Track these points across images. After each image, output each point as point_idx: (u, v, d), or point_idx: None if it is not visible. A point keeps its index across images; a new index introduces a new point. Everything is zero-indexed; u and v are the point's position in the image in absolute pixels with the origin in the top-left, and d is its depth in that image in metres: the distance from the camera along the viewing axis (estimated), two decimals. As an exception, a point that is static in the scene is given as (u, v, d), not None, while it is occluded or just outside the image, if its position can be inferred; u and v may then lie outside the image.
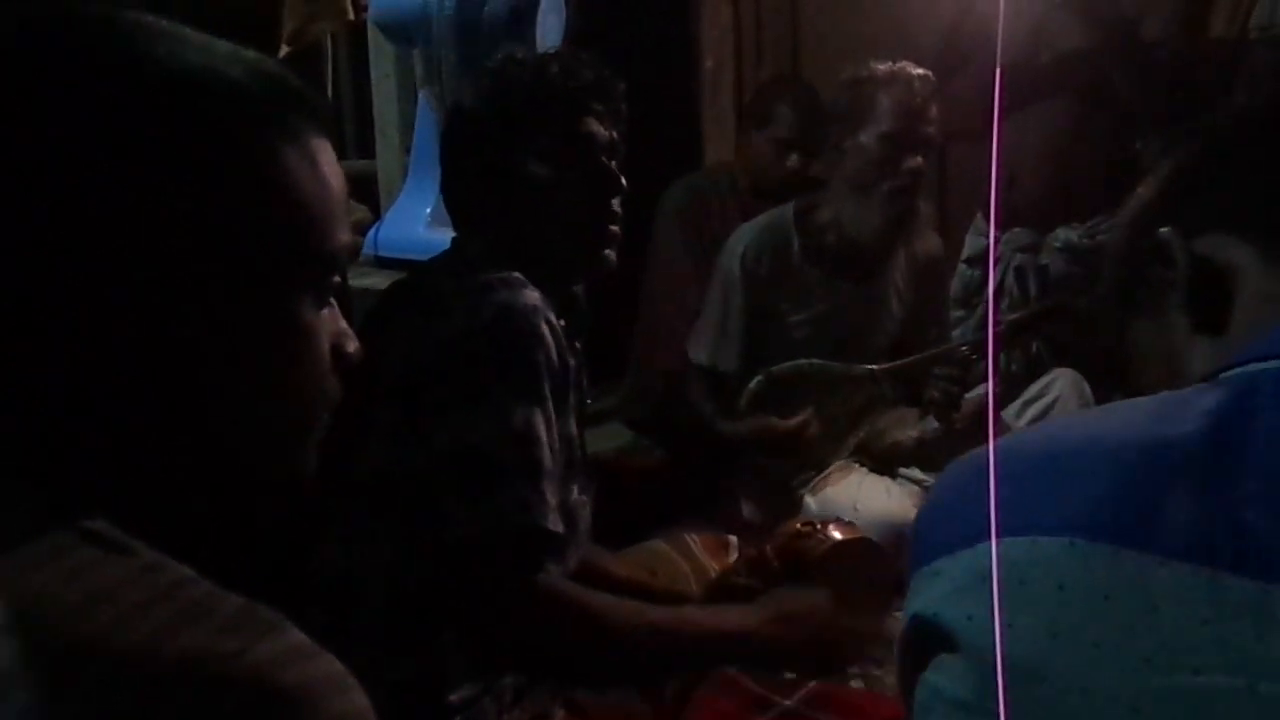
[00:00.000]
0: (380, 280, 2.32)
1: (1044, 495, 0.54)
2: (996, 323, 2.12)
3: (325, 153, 0.61)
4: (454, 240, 1.40)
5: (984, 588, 0.52)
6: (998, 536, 0.53)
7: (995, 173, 1.48)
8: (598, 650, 1.20)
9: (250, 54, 0.59)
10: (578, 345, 1.33)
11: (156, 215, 0.54)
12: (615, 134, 1.36)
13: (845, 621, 1.29)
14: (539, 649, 1.19)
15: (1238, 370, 0.56)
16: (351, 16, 1.60)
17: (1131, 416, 0.57)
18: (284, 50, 1.42)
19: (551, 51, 1.38)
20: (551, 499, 1.18)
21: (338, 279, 0.63)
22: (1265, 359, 0.55)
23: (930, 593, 0.56)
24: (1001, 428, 2.17)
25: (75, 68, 0.53)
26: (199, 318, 0.55)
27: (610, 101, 1.35)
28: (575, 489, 1.33)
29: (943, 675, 0.55)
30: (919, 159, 1.99)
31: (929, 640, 0.56)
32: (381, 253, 2.35)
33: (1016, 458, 0.57)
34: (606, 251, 1.35)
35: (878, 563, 1.49)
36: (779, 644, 1.27)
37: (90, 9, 0.56)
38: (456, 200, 1.39)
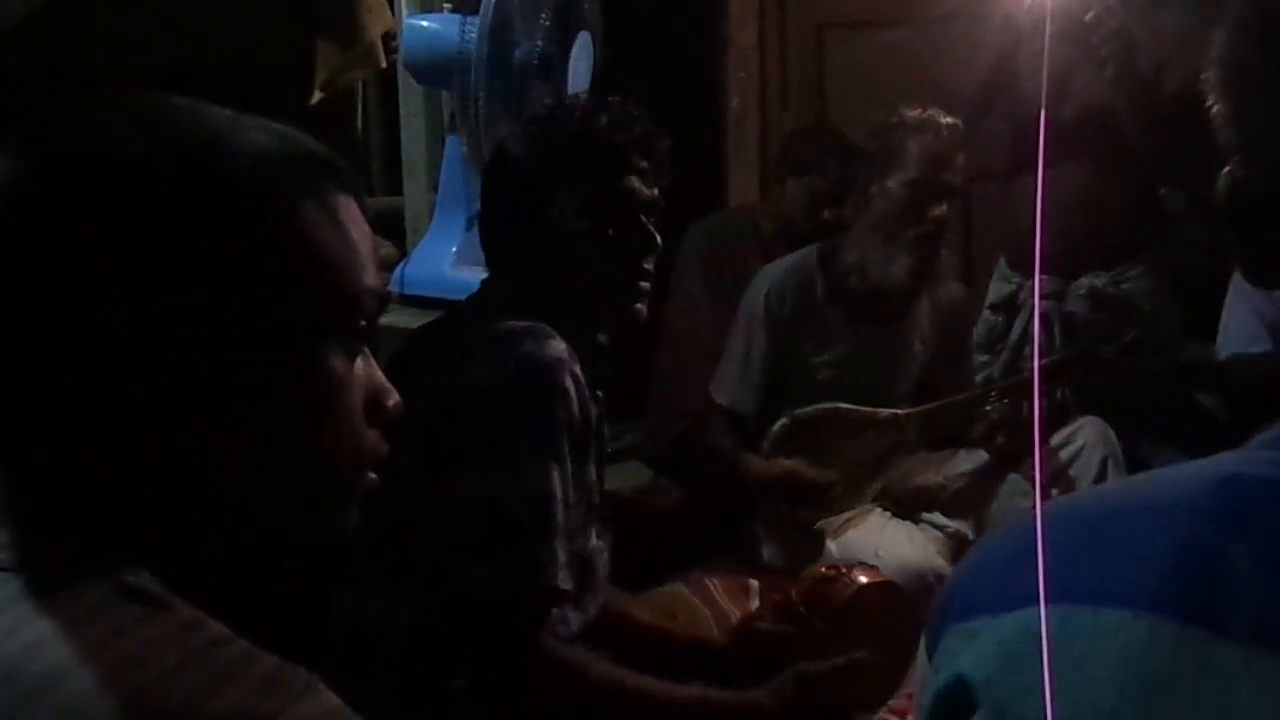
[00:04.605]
0: (404, 318, 2.33)
1: (1103, 563, 0.51)
2: (1041, 368, 2.11)
3: (346, 208, 0.62)
4: (484, 282, 1.40)
5: (1036, 656, 0.50)
6: (1049, 601, 0.50)
7: (1040, 216, 1.47)
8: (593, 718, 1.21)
9: (272, 125, 0.62)
10: (599, 395, 1.33)
11: (183, 279, 0.55)
12: (656, 192, 1.36)
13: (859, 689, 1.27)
14: (539, 709, 1.19)
15: None
16: (384, 64, 1.63)
17: (1188, 482, 0.54)
18: (317, 96, 1.44)
19: (602, 101, 1.38)
20: (563, 555, 1.18)
21: (365, 326, 0.63)
22: None
23: (972, 654, 0.53)
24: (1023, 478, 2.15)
25: (106, 147, 0.56)
26: (225, 372, 0.57)
27: (655, 158, 1.35)
28: (593, 535, 1.32)
29: None
30: (944, 206, 2.00)
31: (967, 706, 0.53)
32: (407, 291, 2.36)
33: (1069, 521, 0.54)
34: (637, 307, 1.34)
35: (903, 608, 1.48)
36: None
37: (119, 96, 0.59)
38: (491, 241, 1.39)
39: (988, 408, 2.05)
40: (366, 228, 0.64)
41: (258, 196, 0.58)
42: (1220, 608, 0.47)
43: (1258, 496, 0.50)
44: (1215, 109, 0.58)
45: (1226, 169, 0.58)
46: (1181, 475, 0.55)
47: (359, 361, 0.63)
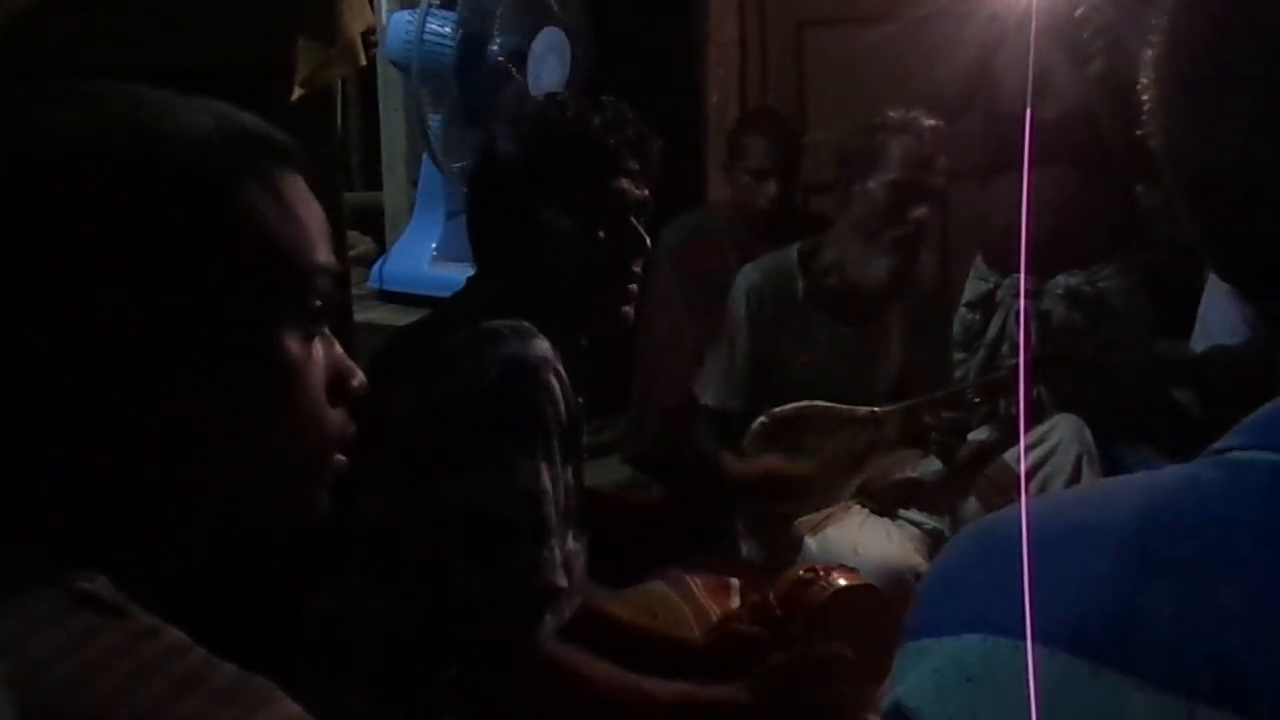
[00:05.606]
0: (383, 314, 2.32)
1: (1030, 592, 0.50)
2: (1023, 365, 2.12)
3: (293, 188, 0.61)
4: (469, 280, 1.40)
5: (968, 687, 0.50)
6: (977, 629, 0.50)
7: (1025, 214, 1.48)
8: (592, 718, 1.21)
9: (214, 106, 0.61)
10: (580, 399, 1.33)
11: (127, 268, 0.54)
12: (647, 193, 1.35)
13: (838, 686, 1.29)
14: (535, 709, 1.20)
15: (1236, 455, 0.51)
16: (364, 62, 1.62)
17: (1123, 504, 0.52)
18: (298, 93, 1.44)
19: (595, 101, 1.37)
20: (558, 555, 1.18)
21: (321, 306, 0.61)
22: (1262, 448, 0.50)
23: (914, 678, 0.52)
24: (1001, 470, 2.17)
25: (41, 137, 0.55)
26: (177, 360, 0.56)
27: (646, 159, 1.34)
28: (570, 538, 1.33)
29: None
30: (925, 208, 2.01)
31: None
32: (385, 287, 2.36)
33: (1000, 545, 0.53)
34: (624, 309, 1.34)
35: (880, 610, 1.49)
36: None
37: (54, 84, 0.58)
38: (479, 240, 1.39)
39: (929, 418, 2.06)
40: (317, 206, 0.63)
41: (199, 179, 0.57)
42: (1134, 649, 0.47)
43: (1179, 529, 0.49)
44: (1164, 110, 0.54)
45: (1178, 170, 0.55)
46: (1120, 495, 0.54)
47: (318, 342, 0.62)
